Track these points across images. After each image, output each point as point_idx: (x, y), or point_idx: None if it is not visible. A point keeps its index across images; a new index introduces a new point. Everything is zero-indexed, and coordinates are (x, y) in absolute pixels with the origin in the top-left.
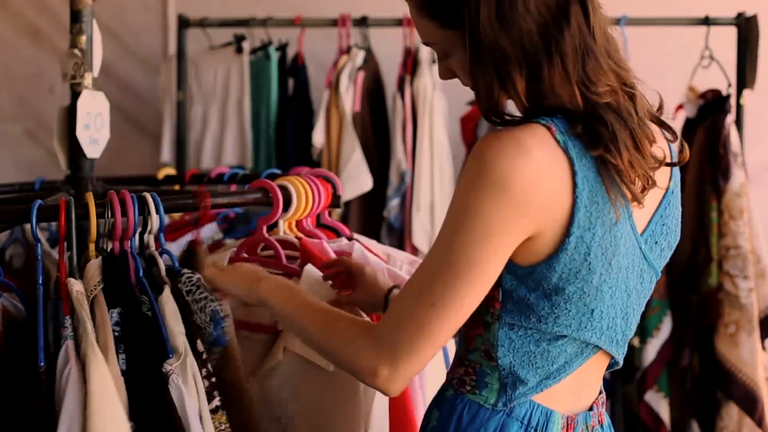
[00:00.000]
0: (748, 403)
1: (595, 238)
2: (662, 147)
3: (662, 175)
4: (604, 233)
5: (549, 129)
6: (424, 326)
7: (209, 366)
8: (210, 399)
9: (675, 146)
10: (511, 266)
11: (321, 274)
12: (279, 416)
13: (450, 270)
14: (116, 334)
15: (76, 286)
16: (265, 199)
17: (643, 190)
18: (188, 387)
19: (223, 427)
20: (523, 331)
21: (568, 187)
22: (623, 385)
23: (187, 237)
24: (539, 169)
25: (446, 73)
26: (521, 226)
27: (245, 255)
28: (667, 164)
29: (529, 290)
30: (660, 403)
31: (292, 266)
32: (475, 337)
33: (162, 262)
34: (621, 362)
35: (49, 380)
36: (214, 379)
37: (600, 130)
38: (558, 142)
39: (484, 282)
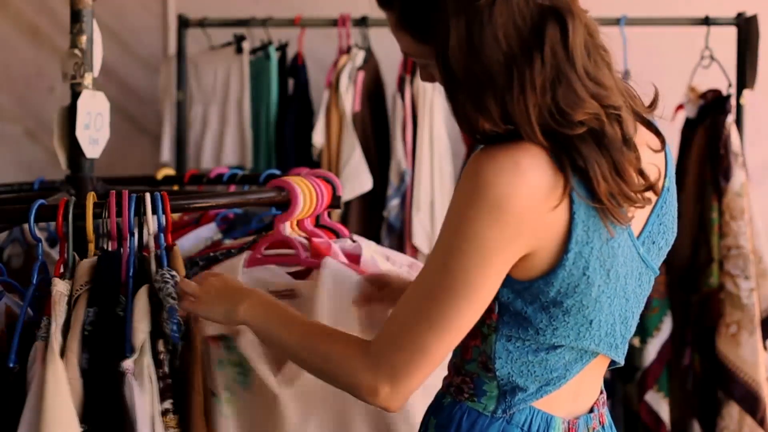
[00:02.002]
0: (750, 403)
1: (593, 252)
2: (656, 163)
3: (656, 173)
4: (602, 246)
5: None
6: (423, 347)
7: (166, 367)
8: (162, 400)
9: (669, 147)
10: (507, 280)
11: (341, 265)
12: (311, 412)
13: (448, 292)
14: (86, 333)
15: (58, 286)
16: (267, 200)
17: (629, 209)
18: (143, 387)
19: (171, 431)
20: (520, 342)
21: (565, 203)
22: (623, 385)
23: (188, 236)
24: (536, 190)
25: (427, 77)
26: (518, 246)
27: (261, 255)
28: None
29: (526, 303)
30: (660, 403)
31: (312, 260)
32: (472, 348)
33: (154, 263)
34: (623, 362)
35: (18, 381)
36: (170, 381)
37: (573, 165)
38: (553, 158)
39: (482, 301)
